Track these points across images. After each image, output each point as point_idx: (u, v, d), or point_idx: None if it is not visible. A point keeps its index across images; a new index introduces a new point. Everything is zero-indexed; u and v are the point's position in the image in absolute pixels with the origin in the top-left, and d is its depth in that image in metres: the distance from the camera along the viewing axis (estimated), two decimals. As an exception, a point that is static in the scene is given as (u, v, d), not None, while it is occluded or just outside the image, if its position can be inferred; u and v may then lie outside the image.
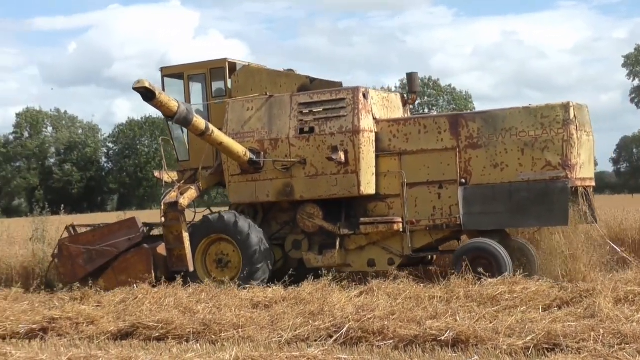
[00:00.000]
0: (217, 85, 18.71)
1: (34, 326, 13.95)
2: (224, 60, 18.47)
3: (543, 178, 16.14)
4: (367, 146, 17.01)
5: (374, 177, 17.16)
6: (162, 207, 17.48)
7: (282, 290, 15.31)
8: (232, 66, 18.57)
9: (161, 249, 17.62)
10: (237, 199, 17.97)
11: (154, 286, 16.01)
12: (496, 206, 16.46)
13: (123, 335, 13.17)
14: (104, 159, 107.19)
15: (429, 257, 18.03)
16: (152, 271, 17.43)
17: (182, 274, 17.19)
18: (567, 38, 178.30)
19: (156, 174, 18.44)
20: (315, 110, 17.26)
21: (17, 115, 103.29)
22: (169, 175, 18.09)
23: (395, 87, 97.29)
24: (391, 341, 11.29)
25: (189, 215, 18.11)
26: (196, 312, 13.76)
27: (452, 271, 15.78)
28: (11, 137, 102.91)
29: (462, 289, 14.21)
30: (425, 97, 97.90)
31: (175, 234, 17.34)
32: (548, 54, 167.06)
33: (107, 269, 17.72)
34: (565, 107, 16.20)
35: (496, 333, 10.99)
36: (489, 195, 16.49)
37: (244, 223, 17.35)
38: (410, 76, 18.61)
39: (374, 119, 17.31)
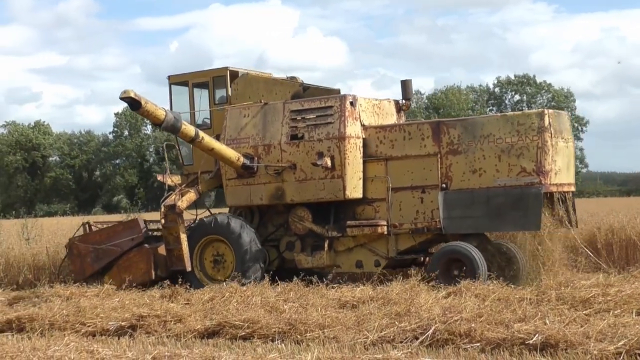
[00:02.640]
0: (221, 92, 20.01)
1: (123, 323, 14.27)
2: (226, 68, 19.82)
3: (518, 184, 16.94)
4: (354, 152, 18.09)
5: (360, 182, 18.23)
6: (162, 209, 18.84)
7: (370, 290, 15.58)
8: (235, 74, 19.86)
9: (162, 249, 19.01)
10: (233, 202, 19.30)
11: (242, 284, 16.80)
12: (474, 210, 17.32)
13: (210, 334, 13.42)
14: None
15: (421, 258, 18.92)
16: (153, 270, 18.81)
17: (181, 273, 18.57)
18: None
19: (159, 177, 19.84)
20: (305, 117, 18.40)
21: (116, 115, 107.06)
22: (171, 179, 19.49)
23: (493, 85, 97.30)
24: (478, 344, 11.25)
25: (192, 217, 19.52)
26: (282, 312, 13.93)
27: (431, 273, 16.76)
28: (111, 136, 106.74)
29: (553, 290, 14.24)
30: (524, 96, 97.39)
31: (174, 235, 18.73)
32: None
33: (113, 267, 19.20)
34: (540, 114, 16.99)
35: (587, 337, 10.84)
36: (468, 200, 17.37)
37: (236, 224, 18.64)
38: (404, 83, 19.55)
39: (362, 125, 18.34)
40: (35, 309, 15.81)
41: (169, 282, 17.60)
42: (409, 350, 11.18)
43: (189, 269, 18.76)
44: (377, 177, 18.25)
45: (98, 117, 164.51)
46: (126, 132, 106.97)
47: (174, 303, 15.62)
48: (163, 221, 18.90)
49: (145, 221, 19.63)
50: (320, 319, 13.03)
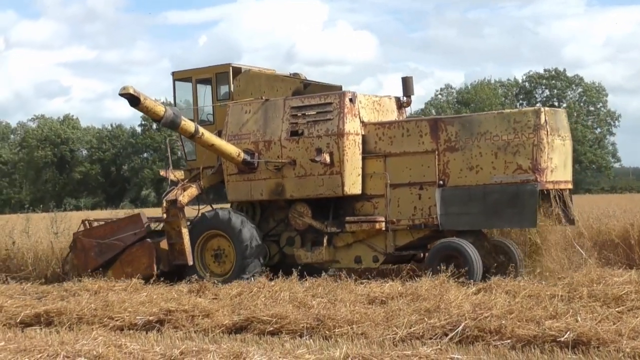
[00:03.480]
0: (224, 89, 20.39)
1: (151, 318, 14.32)
2: (228, 65, 20.19)
3: (514, 181, 17.20)
4: (352, 148, 18.40)
5: (359, 178, 18.54)
6: (164, 204, 19.26)
7: (399, 285, 15.61)
8: (237, 70, 20.22)
9: (164, 244, 19.43)
10: (234, 197, 19.69)
11: (270, 279, 17.02)
12: (471, 207, 17.61)
13: (237, 329, 13.45)
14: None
15: (420, 254, 19.19)
16: (155, 264, 19.24)
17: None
18: None
19: (162, 172, 20.26)
20: (305, 114, 18.74)
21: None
22: (174, 174, 19.90)
23: (522, 80, 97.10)
24: (508, 341, 11.22)
25: (194, 212, 19.94)
26: (311, 307, 13.95)
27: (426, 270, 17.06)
28: (139, 129, 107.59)
29: (585, 287, 14.19)
30: (554, 90, 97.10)
31: (176, 230, 19.14)
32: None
33: (116, 261, 19.65)
34: (537, 112, 17.23)
35: (619, 335, 10.77)
36: (464, 196, 17.64)
37: (237, 220, 19.01)
38: (405, 80, 19.85)
39: (362, 122, 18.64)
40: (63, 303, 15.96)
41: (196, 277, 17.98)
42: (439, 346, 11.18)
43: (190, 263, 19.17)
44: (375, 174, 18.55)
45: (127, 111, 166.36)
46: (155, 125, 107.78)
47: (202, 298, 15.75)
48: (165, 216, 19.25)
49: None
50: (349, 314, 13.09)
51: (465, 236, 17.74)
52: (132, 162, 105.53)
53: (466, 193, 17.64)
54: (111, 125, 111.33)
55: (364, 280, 16.50)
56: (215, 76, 20.38)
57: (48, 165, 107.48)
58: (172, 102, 21.19)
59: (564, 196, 17.79)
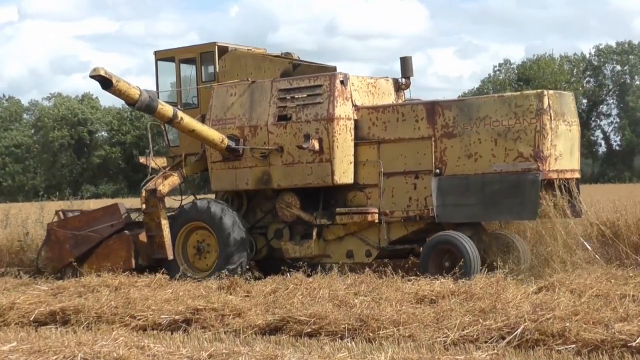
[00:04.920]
0: (210, 69, 21.09)
1: (177, 317, 14.44)
2: (214, 44, 20.90)
3: (515, 170, 17.70)
4: (343, 134, 19.00)
5: (351, 166, 19.14)
6: (143, 193, 20.01)
7: (451, 283, 15.68)
8: (224, 50, 20.90)
9: (143, 236, 20.20)
10: (218, 187, 20.43)
11: (308, 275, 17.31)
12: (469, 198, 18.15)
13: (272, 330, 13.51)
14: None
15: (420, 249, 19.71)
16: (133, 258, 20.03)
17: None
18: None
19: (142, 159, 21.04)
20: (293, 97, 19.38)
21: (172, 85, 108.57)
22: (155, 162, 20.64)
23: (590, 55, 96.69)
24: (573, 345, 11.22)
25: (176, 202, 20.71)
26: (353, 306, 13.97)
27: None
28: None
29: None
30: (626, 66, 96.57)
31: (156, 221, 19.89)
32: None
33: (92, 254, 20.47)
34: (539, 95, 17.71)
35: None
36: (462, 186, 18.18)
37: (217, 208, 19.73)
38: (404, 60, 20.40)
39: (354, 106, 19.24)
40: (81, 300, 16.16)
41: (226, 273, 18.37)
42: (495, 351, 11.19)
43: (170, 257, 19.89)
44: (368, 162, 19.13)
45: (152, 88, 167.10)
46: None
47: (233, 295, 15.84)
48: (144, 206, 20.00)
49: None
50: (395, 314, 13.12)
51: (464, 229, 18.26)
52: (156, 145, 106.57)
53: (464, 183, 18.16)
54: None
55: (411, 277, 16.69)
56: (200, 56, 21.09)
57: (65, 148, 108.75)
58: (155, 83, 21.87)
59: (570, 186, 18.18)
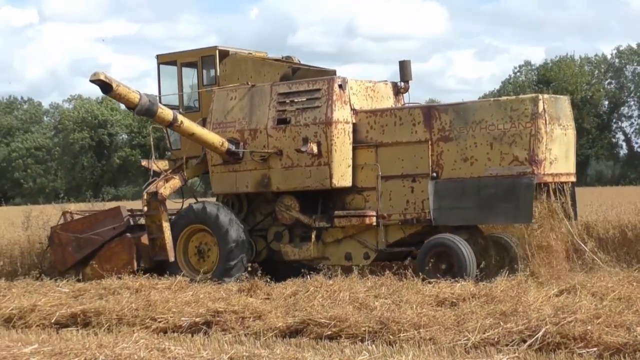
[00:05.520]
0: (212, 73, 21.41)
1: (197, 319, 14.54)
2: (214, 48, 21.23)
3: (510, 173, 17.97)
4: (342, 138, 19.28)
5: (349, 170, 19.42)
6: (145, 196, 20.34)
7: (471, 286, 15.82)
8: (225, 54, 21.22)
9: (145, 239, 20.52)
10: (219, 189, 20.75)
11: (329, 278, 17.39)
12: (465, 201, 18.42)
13: (292, 332, 13.59)
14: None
15: (418, 251, 19.89)
16: (135, 260, 20.35)
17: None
18: None
19: (144, 162, 21.37)
20: (292, 101, 19.68)
21: (191, 87, 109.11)
22: (156, 165, 20.97)
23: (611, 56, 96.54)
24: (595, 349, 11.21)
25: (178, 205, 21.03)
26: (373, 309, 14.02)
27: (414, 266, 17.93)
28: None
29: None
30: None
31: (157, 224, 20.20)
32: None
33: (94, 257, 20.80)
34: (534, 100, 17.96)
35: None
36: (458, 190, 18.45)
37: (212, 208, 20.09)
38: (403, 64, 20.67)
39: (353, 109, 19.50)
40: (102, 302, 16.31)
41: (247, 275, 18.60)
42: (516, 354, 11.21)
43: (172, 259, 20.19)
44: (367, 165, 19.41)
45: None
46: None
47: (253, 297, 15.94)
48: (145, 209, 20.32)
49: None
50: (416, 317, 13.15)
51: (460, 232, 18.49)
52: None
53: (460, 186, 18.42)
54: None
55: (432, 280, 16.88)
56: (201, 60, 21.42)
57: (85, 150, 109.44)
58: (157, 87, 22.20)
59: (565, 190, 18.39)
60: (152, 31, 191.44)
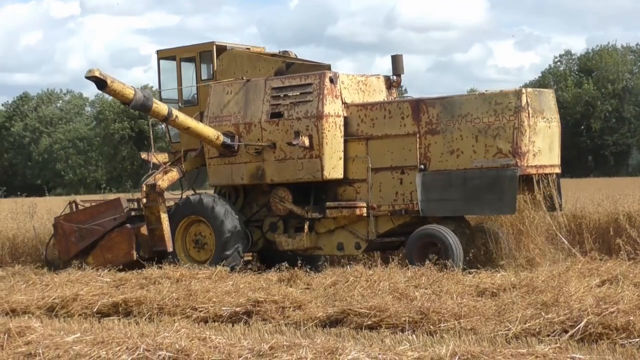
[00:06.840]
0: (210, 68, 22.10)
1: (238, 309, 14.68)
2: (212, 43, 21.90)
3: (495, 165, 18.50)
4: (333, 131, 19.89)
5: (341, 162, 20.03)
6: (144, 188, 21.08)
7: (512, 276, 15.91)
8: (222, 49, 21.89)
9: (144, 229, 21.26)
10: (215, 181, 21.45)
11: (368, 268, 17.69)
12: (451, 193, 18.97)
13: (332, 322, 13.67)
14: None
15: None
16: (134, 250, 21.09)
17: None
18: None
19: (143, 155, 22.10)
20: (285, 95, 20.32)
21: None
22: (156, 158, 21.70)
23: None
24: (637, 339, 11.19)
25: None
26: (413, 299, 14.06)
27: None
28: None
29: None
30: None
31: (156, 215, 20.95)
32: None
33: (96, 247, 21.58)
34: (518, 93, 18.47)
35: None
36: (445, 181, 19.00)
37: (208, 200, 20.84)
38: (395, 58, 21.20)
39: (344, 103, 20.10)
40: (143, 292, 16.46)
41: (286, 265, 18.86)
42: (557, 345, 10.94)
43: (170, 249, 20.93)
44: (357, 157, 20.01)
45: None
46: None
47: (293, 287, 16.12)
48: (144, 200, 21.06)
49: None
50: (456, 307, 13.19)
51: (447, 222, 19.05)
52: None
53: (446, 178, 18.97)
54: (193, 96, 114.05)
55: (472, 270, 17.10)
56: (199, 55, 22.10)
57: (125, 140, 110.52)
58: (157, 81, 22.91)
59: (549, 181, 18.87)
60: (193, 22, 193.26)
